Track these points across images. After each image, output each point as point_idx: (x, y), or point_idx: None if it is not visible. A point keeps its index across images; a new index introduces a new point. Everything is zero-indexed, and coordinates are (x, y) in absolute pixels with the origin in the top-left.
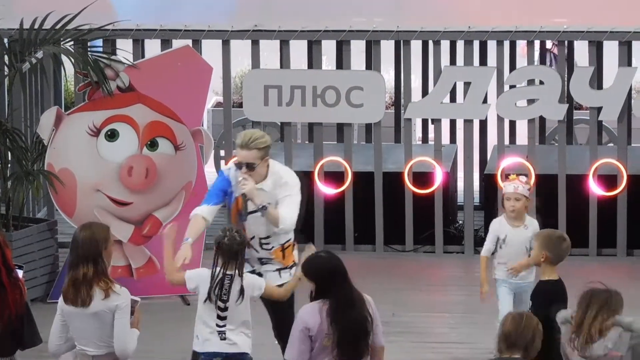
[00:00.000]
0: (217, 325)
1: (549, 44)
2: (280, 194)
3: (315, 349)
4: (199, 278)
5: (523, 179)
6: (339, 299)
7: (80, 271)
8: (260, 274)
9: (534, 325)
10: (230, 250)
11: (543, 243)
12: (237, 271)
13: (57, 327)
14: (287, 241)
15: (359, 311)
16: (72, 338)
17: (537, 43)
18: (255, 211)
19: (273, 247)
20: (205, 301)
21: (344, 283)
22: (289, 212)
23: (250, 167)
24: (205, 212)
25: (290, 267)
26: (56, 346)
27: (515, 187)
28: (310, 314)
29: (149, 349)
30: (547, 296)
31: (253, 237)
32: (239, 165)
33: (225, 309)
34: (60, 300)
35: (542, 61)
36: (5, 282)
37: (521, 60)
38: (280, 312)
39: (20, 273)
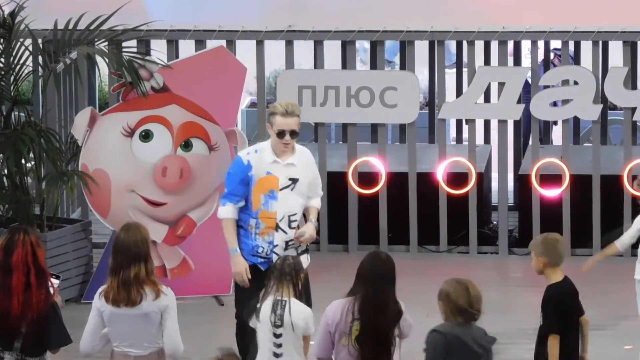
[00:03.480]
0: (275, 355)
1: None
2: (310, 169)
3: (335, 346)
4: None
5: None
6: (367, 300)
7: (132, 272)
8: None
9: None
10: (282, 272)
11: (538, 251)
12: (290, 298)
13: (91, 328)
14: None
15: (388, 317)
16: (105, 339)
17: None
18: (286, 187)
19: (298, 225)
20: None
21: (383, 286)
22: (319, 200)
23: (293, 134)
24: (233, 214)
25: (307, 249)
26: (90, 347)
27: None
28: (332, 310)
29: (185, 349)
30: (554, 298)
31: (282, 218)
32: (281, 134)
33: (279, 336)
34: (100, 301)
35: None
36: (33, 282)
37: (525, 61)
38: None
39: (56, 283)
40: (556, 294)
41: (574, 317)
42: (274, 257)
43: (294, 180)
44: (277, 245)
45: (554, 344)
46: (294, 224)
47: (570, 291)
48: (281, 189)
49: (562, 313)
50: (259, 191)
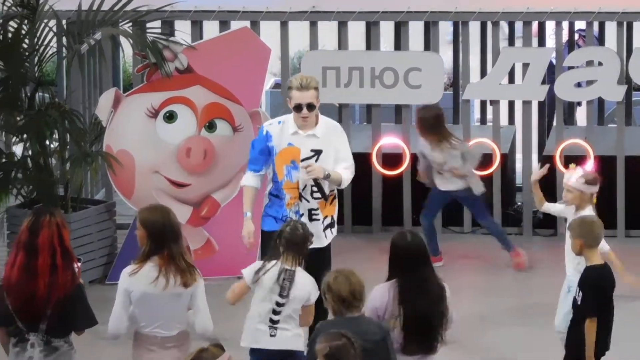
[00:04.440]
0: (271, 321)
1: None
2: (336, 140)
3: None
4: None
5: (580, 171)
6: (410, 282)
7: (166, 252)
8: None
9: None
10: (290, 242)
11: (575, 233)
12: (296, 267)
13: (119, 309)
14: (332, 191)
15: (431, 299)
16: (133, 320)
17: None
18: (308, 158)
19: (320, 197)
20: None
21: (418, 266)
22: (348, 169)
23: (310, 107)
24: (254, 181)
25: (331, 223)
26: (119, 328)
27: (567, 178)
28: (379, 293)
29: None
30: (594, 281)
31: (305, 187)
32: (298, 108)
33: (282, 305)
34: (128, 282)
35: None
36: (59, 263)
37: (550, 42)
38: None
39: (77, 265)
40: (596, 277)
41: (611, 306)
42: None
43: (318, 152)
44: (302, 214)
45: (591, 328)
46: (315, 195)
47: (610, 278)
48: (303, 160)
49: (601, 296)
50: (282, 162)
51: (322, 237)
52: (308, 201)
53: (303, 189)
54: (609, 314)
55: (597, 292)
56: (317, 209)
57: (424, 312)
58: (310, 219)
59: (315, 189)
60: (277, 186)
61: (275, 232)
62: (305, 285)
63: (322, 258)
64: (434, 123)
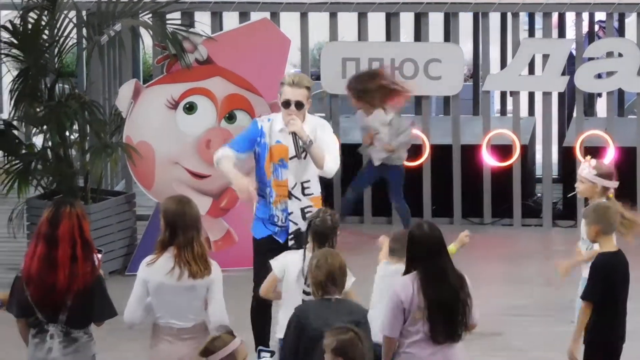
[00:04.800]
0: None
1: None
2: (320, 134)
3: (407, 322)
4: (285, 262)
5: (593, 162)
6: (429, 272)
7: (187, 244)
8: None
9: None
10: (319, 232)
11: (590, 219)
12: None
13: (135, 298)
14: (321, 192)
15: (452, 288)
16: (149, 310)
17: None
18: (295, 157)
19: (313, 193)
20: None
21: (435, 256)
22: (332, 156)
23: (299, 105)
24: (229, 153)
25: None
26: (134, 317)
27: (581, 169)
28: (402, 287)
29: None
30: (606, 268)
31: (295, 185)
32: (286, 104)
33: (309, 294)
34: (146, 272)
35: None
36: (79, 254)
37: (570, 33)
38: None
39: (98, 256)
40: (605, 262)
41: (618, 293)
42: (291, 226)
43: (310, 142)
44: (292, 212)
45: (585, 311)
46: (307, 191)
47: (620, 264)
48: (291, 158)
49: (605, 283)
50: (270, 159)
51: None
52: (299, 199)
53: (293, 187)
54: (615, 302)
55: (599, 277)
56: (310, 206)
57: (446, 301)
58: (304, 218)
59: (306, 185)
60: (264, 186)
61: (265, 239)
62: None
63: None
64: (364, 92)
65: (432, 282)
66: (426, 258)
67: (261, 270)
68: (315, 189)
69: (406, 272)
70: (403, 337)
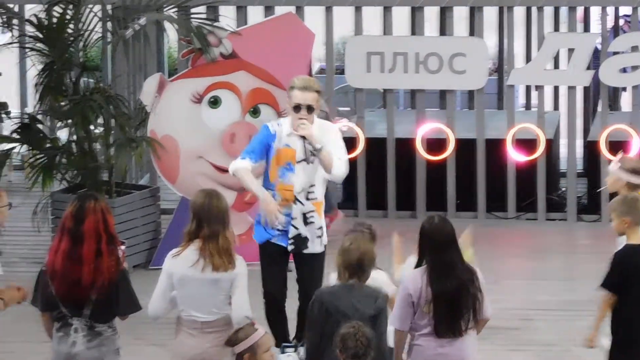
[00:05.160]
0: None
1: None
2: (330, 138)
3: (417, 315)
4: None
5: (621, 157)
6: (436, 264)
7: (212, 237)
8: (304, 239)
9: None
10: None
11: (620, 211)
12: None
13: (160, 291)
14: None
15: (458, 281)
16: (173, 302)
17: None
18: (303, 160)
19: (317, 198)
20: None
21: (444, 249)
22: (341, 161)
23: (310, 109)
24: (247, 164)
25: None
26: (158, 309)
27: (611, 165)
28: (411, 280)
29: (253, 316)
30: (625, 257)
31: (301, 190)
32: (297, 108)
33: None
34: (171, 264)
35: (617, 32)
36: (104, 249)
37: (595, 27)
38: (312, 287)
39: (122, 249)
40: (625, 254)
41: (634, 290)
42: (291, 230)
43: (320, 148)
44: (295, 218)
45: (603, 301)
46: (311, 195)
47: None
48: (298, 162)
49: (627, 275)
50: (277, 163)
51: (315, 242)
52: (303, 204)
53: (299, 192)
54: (634, 297)
55: (617, 268)
56: (312, 211)
57: (452, 295)
58: (306, 223)
59: (310, 189)
60: (266, 188)
61: (265, 244)
62: (375, 281)
63: (316, 265)
64: None
65: (439, 276)
66: (435, 251)
67: (267, 275)
68: (319, 193)
69: (417, 265)
70: (413, 330)
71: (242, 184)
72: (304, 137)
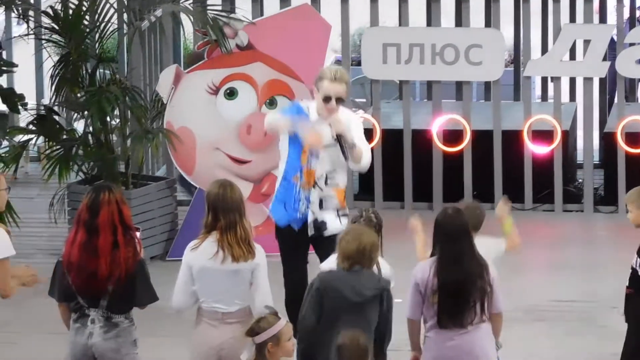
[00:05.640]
0: None
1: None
2: (354, 129)
3: (425, 305)
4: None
5: None
6: (446, 255)
7: (229, 227)
8: (322, 223)
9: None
10: None
11: (638, 202)
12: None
13: (182, 283)
14: (345, 185)
15: (467, 273)
16: (195, 296)
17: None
18: (328, 146)
19: (338, 184)
20: None
21: (455, 241)
22: (367, 150)
23: (340, 101)
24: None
25: (345, 214)
26: (181, 302)
27: None
28: (420, 269)
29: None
30: None
31: (321, 176)
32: (327, 99)
33: None
34: (190, 256)
35: (633, 23)
36: (120, 240)
37: (611, 18)
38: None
39: (137, 235)
40: None
41: None
42: (310, 215)
43: (340, 136)
44: (312, 202)
45: (627, 296)
46: (330, 181)
47: None
48: (324, 147)
49: None
50: (307, 146)
51: (335, 222)
52: (321, 189)
53: (319, 177)
54: None
55: None
56: (331, 197)
57: (456, 286)
58: (321, 207)
59: (330, 175)
60: (294, 170)
61: (286, 229)
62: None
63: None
64: None
65: (446, 266)
66: (446, 242)
67: (287, 262)
68: (341, 179)
69: (431, 256)
70: (424, 321)
71: (277, 128)
72: (339, 135)
